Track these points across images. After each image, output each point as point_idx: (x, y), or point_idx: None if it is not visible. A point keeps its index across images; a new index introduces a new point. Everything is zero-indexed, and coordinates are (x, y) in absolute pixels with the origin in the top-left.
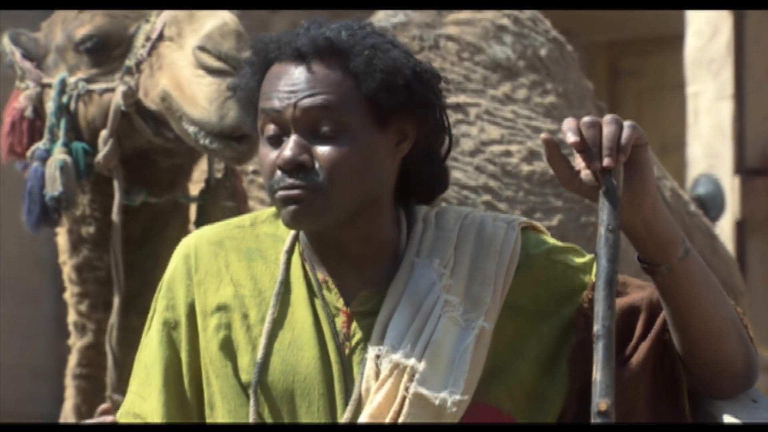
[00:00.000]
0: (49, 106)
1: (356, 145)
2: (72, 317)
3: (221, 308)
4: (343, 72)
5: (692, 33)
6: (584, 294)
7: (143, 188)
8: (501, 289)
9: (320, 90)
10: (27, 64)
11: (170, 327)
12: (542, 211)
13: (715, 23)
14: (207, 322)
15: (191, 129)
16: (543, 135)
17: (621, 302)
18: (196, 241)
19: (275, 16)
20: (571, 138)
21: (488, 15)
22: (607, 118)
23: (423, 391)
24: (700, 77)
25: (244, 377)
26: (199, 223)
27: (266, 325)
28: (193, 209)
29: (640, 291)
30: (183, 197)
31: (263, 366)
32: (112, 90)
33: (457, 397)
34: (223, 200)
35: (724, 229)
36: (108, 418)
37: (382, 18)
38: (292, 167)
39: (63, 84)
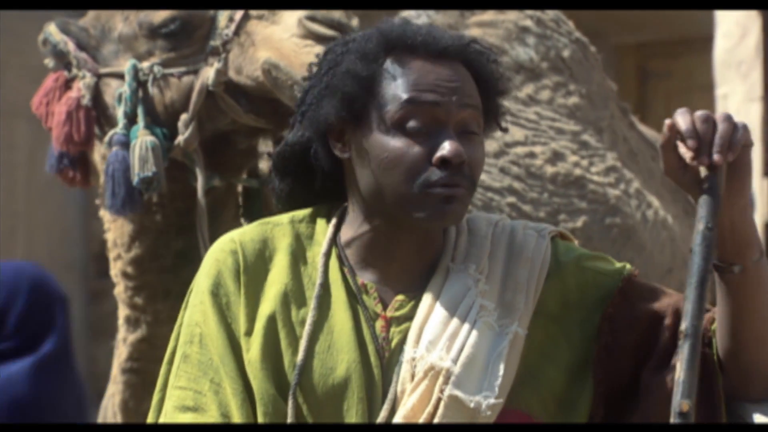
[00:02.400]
0: (124, 90)
1: (483, 147)
2: (124, 312)
3: (266, 311)
4: (476, 77)
5: (721, 34)
6: (611, 299)
7: (216, 172)
8: (532, 295)
9: (473, 92)
10: (83, 54)
11: (227, 323)
12: (566, 213)
13: (744, 25)
14: (253, 325)
15: None
16: (668, 121)
17: (647, 308)
18: (240, 238)
19: None
20: (687, 139)
21: (511, 16)
22: (721, 115)
23: (458, 393)
24: (729, 79)
25: (283, 379)
26: (256, 207)
27: (306, 328)
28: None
29: (666, 297)
30: (241, 180)
31: (303, 368)
32: (193, 72)
33: (492, 401)
34: None
35: None
36: None
37: None
38: (459, 163)
39: (135, 70)
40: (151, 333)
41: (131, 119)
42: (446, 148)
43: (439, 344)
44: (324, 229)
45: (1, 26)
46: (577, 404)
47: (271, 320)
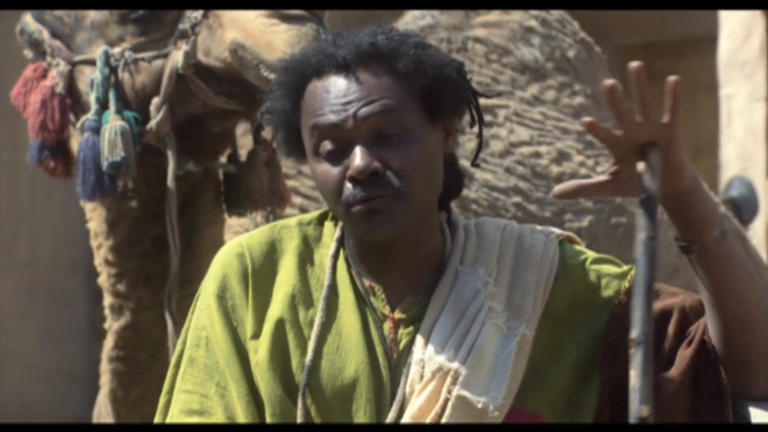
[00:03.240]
0: (96, 76)
1: (420, 144)
2: (108, 300)
3: (274, 313)
4: (392, 74)
5: (725, 35)
6: (618, 299)
7: (190, 156)
8: (541, 298)
9: (376, 96)
10: (57, 43)
11: (233, 327)
12: (572, 213)
13: (749, 25)
14: (261, 327)
15: (272, 76)
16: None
17: (654, 307)
18: (248, 241)
19: None
20: None
21: (516, 17)
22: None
23: (466, 394)
24: (733, 79)
25: (291, 381)
26: (234, 193)
27: (315, 329)
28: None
29: (672, 297)
30: (219, 165)
31: (311, 369)
32: (164, 56)
33: (500, 402)
34: (260, 168)
35: (758, 232)
36: None
37: (409, 21)
38: (366, 176)
39: (106, 56)
40: (135, 320)
41: (103, 105)
42: (351, 166)
43: (447, 345)
44: (331, 232)
45: (1, 26)
46: (585, 404)
47: (279, 322)
